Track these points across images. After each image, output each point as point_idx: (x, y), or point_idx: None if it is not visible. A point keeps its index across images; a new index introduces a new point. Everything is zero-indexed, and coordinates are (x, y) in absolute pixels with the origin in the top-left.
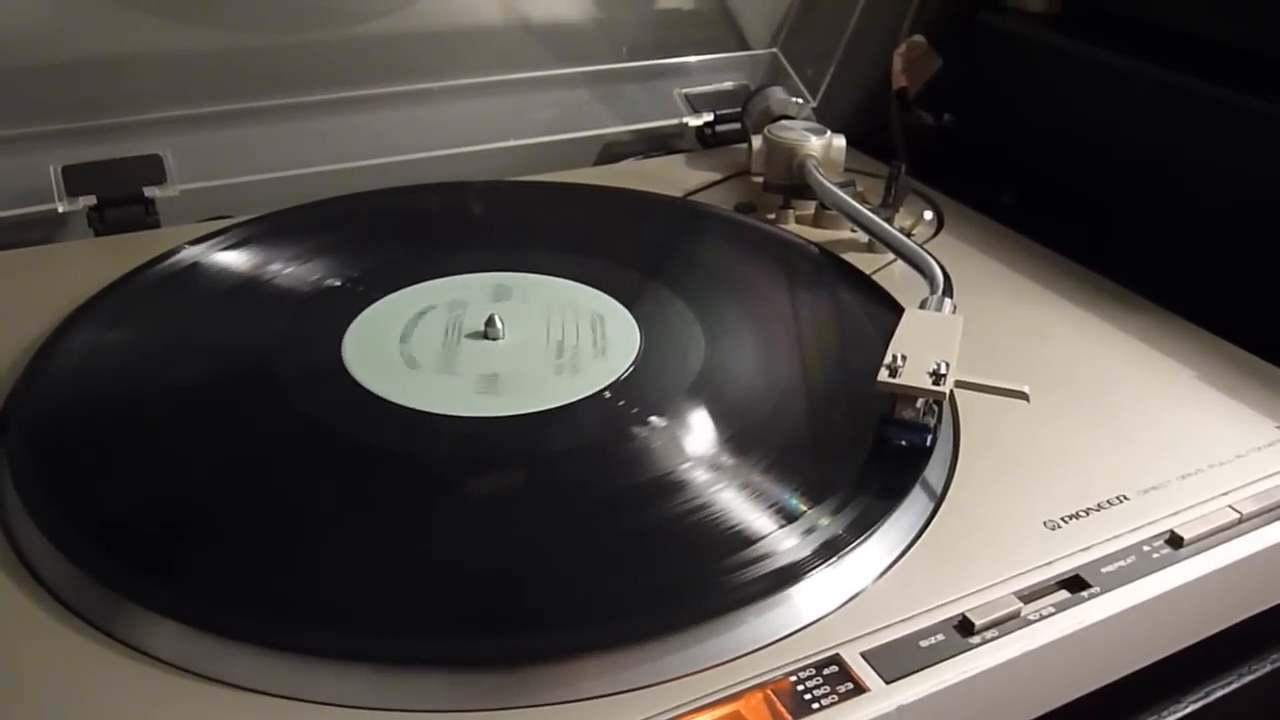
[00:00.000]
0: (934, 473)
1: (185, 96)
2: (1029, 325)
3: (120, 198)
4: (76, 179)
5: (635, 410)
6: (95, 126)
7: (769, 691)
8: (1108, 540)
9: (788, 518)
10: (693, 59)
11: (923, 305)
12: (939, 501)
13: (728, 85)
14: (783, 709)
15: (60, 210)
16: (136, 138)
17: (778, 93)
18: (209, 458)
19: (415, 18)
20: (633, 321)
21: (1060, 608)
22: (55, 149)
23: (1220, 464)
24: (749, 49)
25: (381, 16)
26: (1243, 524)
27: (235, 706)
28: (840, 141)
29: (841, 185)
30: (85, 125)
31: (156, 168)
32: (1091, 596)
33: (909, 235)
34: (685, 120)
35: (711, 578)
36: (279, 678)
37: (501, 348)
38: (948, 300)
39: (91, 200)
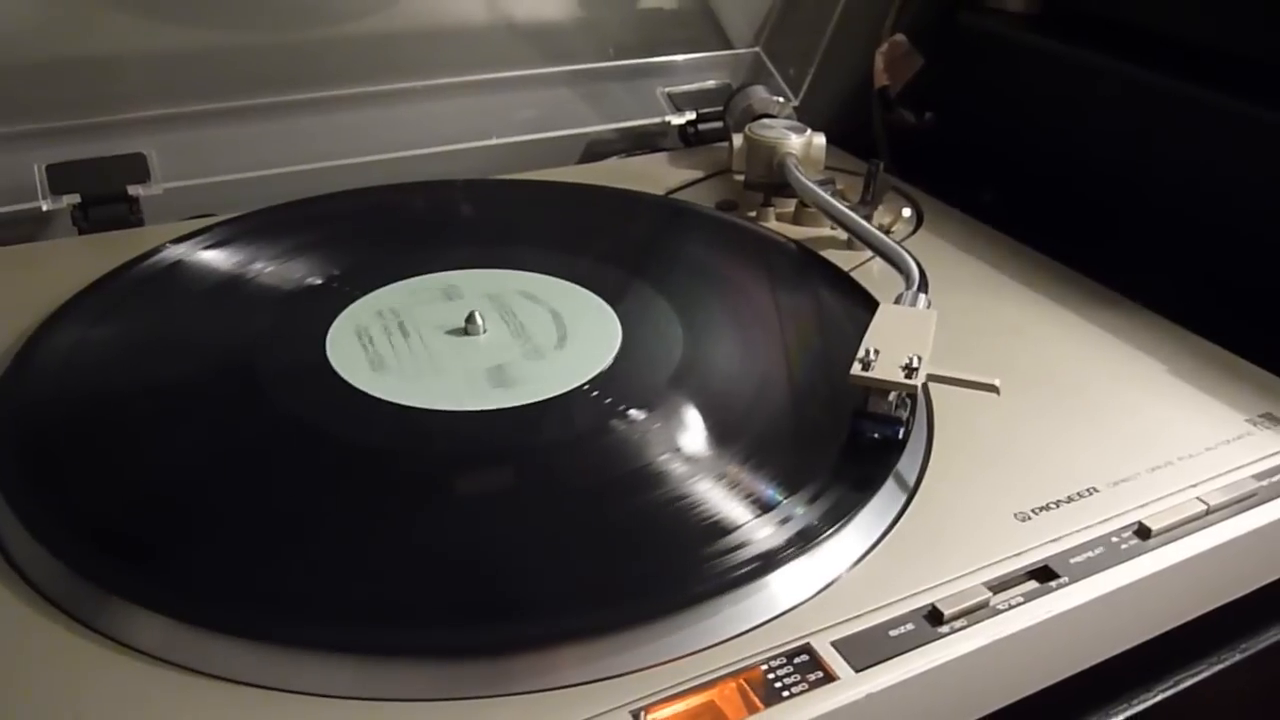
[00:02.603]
0: (907, 465)
1: (169, 95)
2: (1005, 321)
3: (104, 196)
4: (60, 177)
5: (615, 404)
6: (79, 125)
7: (741, 680)
8: (1077, 531)
9: (763, 507)
10: (675, 58)
11: (897, 300)
12: (912, 493)
13: (710, 84)
14: (755, 697)
15: (44, 208)
16: (120, 136)
17: (759, 91)
18: (192, 453)
19: (399, 17)
20: (614, 317)
21: (1029, 597)
22: (39, 147)
23: (1190, 456)
24: (731, 48)
25: (365, 16)
26: (1210, 515)
27: (219, 698)
28: (820, 140)
29: (821, 183)
30: (69, 124)
31: (140, 166)
32: (1060, 586)
33: (888, 232)
34: (668, 119)
35: (689, 567)
36: (262, 669)
37: (483, 343)
38: (922, 295)
39: (75, 198)
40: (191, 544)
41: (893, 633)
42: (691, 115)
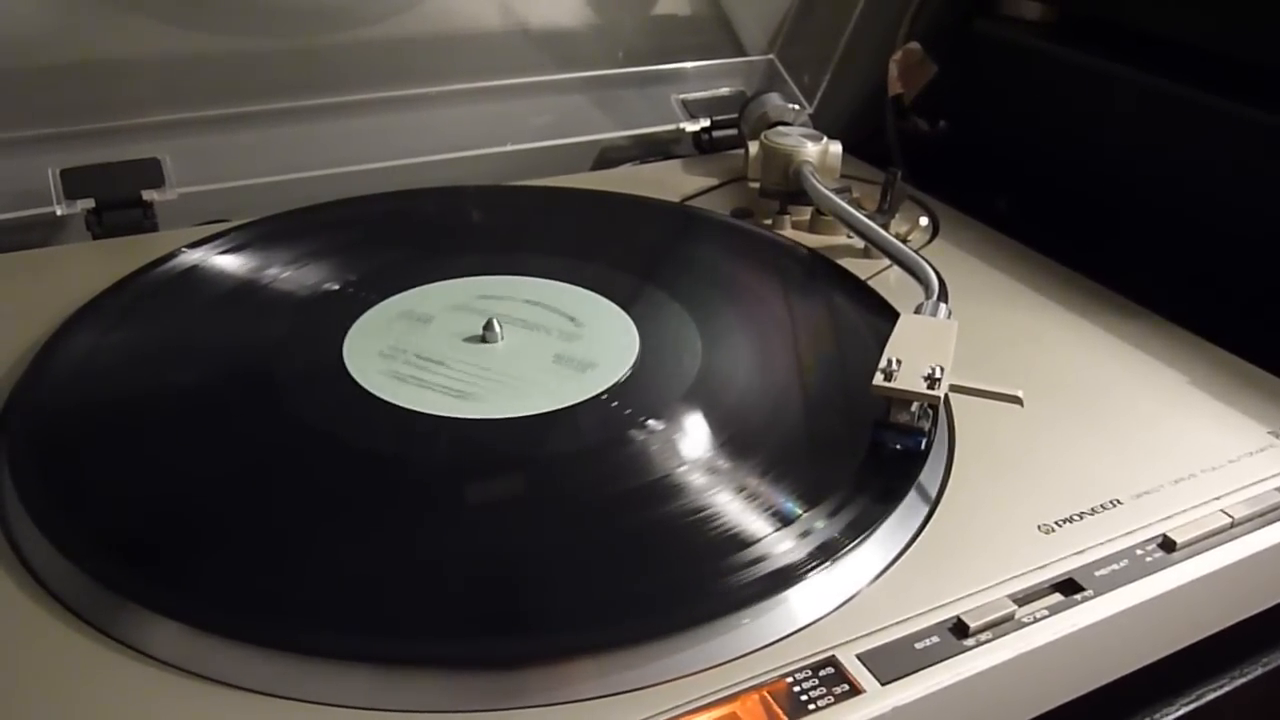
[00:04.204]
0: (929, 476)
1: (184, 100)
2: (1024, 331)
3: (118, 201)
4: (75, 182)
5: (633, 414)
6: (94, 130)
7: (765, 693)
8: (1101, 544)
9: (784, 521)
10: (690, 65)
11: (918, 310)
12: (934, 505)
13: (724, 91)
14: (779, 710)
15: (59, 213)
16: (135, 141)
17: (774, 99)
18: (208, 459)
19: (413, 23)
20: (631, 326)
21: (1054, 610)
22: (54, 152)
23: (1213, 469)
24: (746, 55)
25: (379, 21)
26: (1234, 528)
27: (233, 706)
28: (836, 147)
29: (837, 191)
30: (84, 128)
31: (155, 171)
32: (1085, 599)
33: (905, 241)
34: (682, 126)
35: (708, 580)
36: (277, 678)
37: (500, 351)
38: (942, 305)
39: (90, 203)
40: (207, 551)
41: (918, 645)
42: (706, 122)
